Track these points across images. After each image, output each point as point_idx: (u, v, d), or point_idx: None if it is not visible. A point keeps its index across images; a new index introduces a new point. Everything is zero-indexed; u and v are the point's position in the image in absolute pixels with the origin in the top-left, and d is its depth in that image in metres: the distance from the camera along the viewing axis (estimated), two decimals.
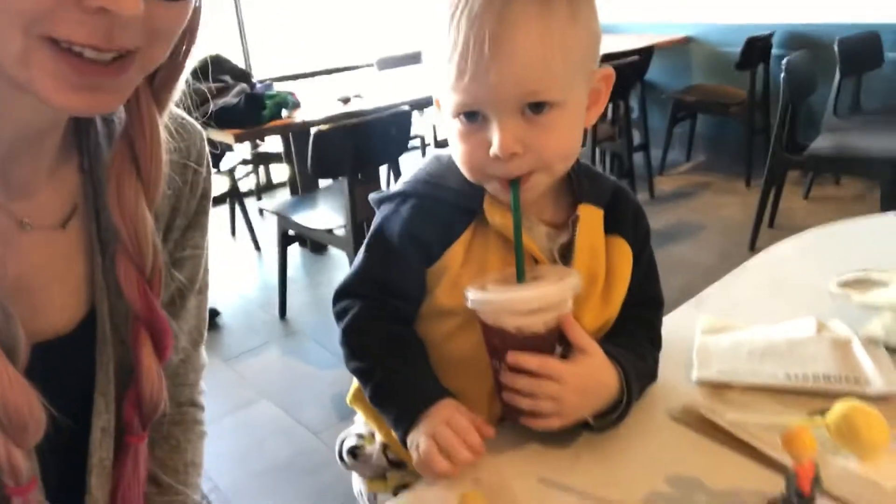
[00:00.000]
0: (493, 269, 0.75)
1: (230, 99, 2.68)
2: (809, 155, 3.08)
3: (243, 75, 3.04)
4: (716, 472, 0.69)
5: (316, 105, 2.99)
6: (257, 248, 3.76)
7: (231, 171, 3.57)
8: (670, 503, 0.66)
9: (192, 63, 0.65)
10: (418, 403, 0.73)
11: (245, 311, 3.13)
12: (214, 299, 3.09)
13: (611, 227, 0.81)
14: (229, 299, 3.21)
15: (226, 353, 2.77)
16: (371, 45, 4.68)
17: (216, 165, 3.45)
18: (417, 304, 0.79)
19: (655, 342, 0.85)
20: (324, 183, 3.23)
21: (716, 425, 0.75)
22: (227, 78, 3.01)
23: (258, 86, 2.92)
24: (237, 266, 3.63)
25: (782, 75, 2.97)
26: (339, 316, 0.81)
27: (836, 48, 3.30)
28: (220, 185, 3.81)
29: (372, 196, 0.82)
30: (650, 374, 0.83)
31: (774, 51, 4.04)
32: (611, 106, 3.74)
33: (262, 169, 4.54)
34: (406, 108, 2.56)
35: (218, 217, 4.18)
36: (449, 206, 0.76)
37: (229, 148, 3.17)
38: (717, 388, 0.84)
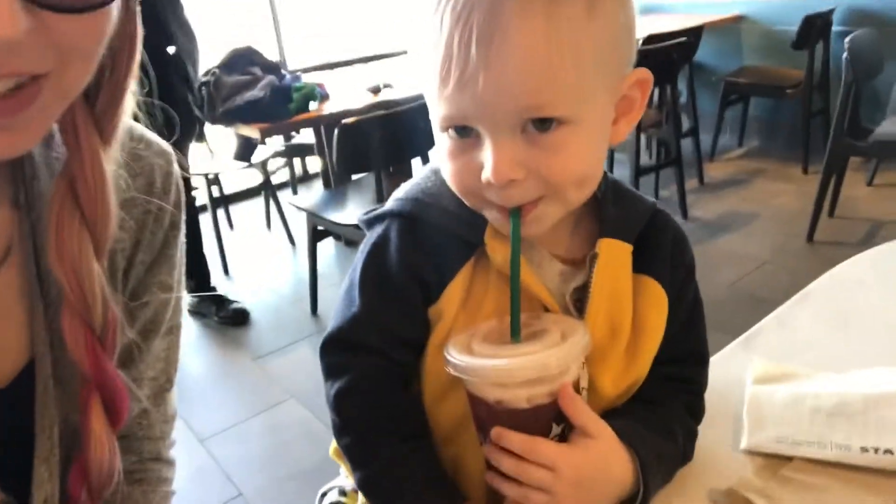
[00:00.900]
0: (492, 315, 0.62)
1: (256, 92, 2.63)
2: (875, 141, 2.88)
3: (273, 67, 2.98)
4: None
5: (346, 96, 2.91)
6: (292, 241, 3.72)
7: (263, 164, 3.52)
8: None
9: (134, 81, 0.55)
10: None
11: (276, 308, 3.08)
12: (246, 297, 3.06)
13: (642, 265, 0.66)
14: (260, 295, 3.17)
15: (255, 352, 2.72)
16: (407, 30, 4.57)
17: (247, 159, 3.40)
18: (421, 353, 0.66)
19: (694, 411, 0.70)
20: (357, 175, 3.16)
21: None
22: (257, 70, 2.95)
23: (287, 77, 2.85)
24: (270, 261, 3.60)
25: (844, 55, 2.78)
26: (331, 372, 0.67)
27: None
28: (252, 178, 3.80)
29: (360, 217, 0.69)
30: (680, 458, 0.68)
31: (835, 28, 3.81)
32: (657, 90, 3.56)
33: (298, 161, 4.50)
34: None
35: (253, 211, 4.18)
36: (445, 233, 0.63)
37: (261, 141, 3.12)
38: (772, 461, 0.69)
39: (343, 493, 0.82)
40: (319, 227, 2.83)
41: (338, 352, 0.67)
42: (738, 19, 4.33)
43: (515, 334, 0.57)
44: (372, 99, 2.83)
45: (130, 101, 0.57)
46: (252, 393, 2.47)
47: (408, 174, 2.81)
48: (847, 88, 2.82)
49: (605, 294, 0.63)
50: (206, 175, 3.32)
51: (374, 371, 0.65)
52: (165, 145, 0.68)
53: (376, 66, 4.35)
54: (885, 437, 0.67)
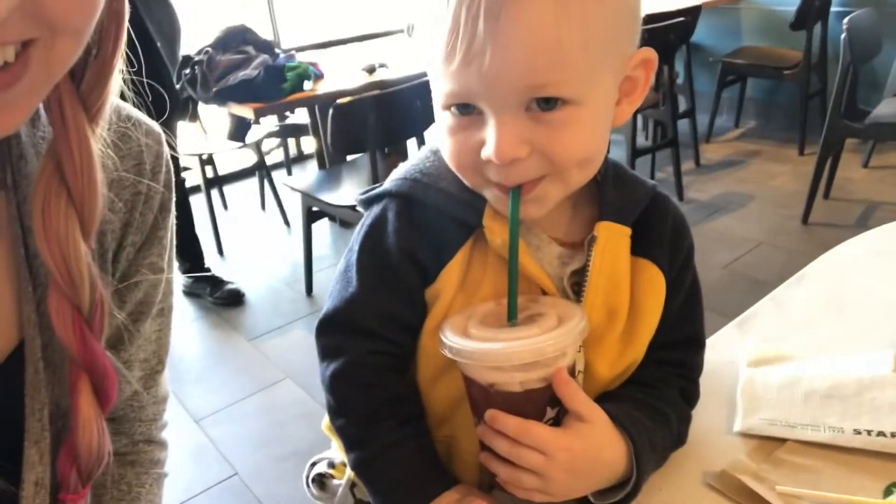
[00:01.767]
0: (489, 298, 0.62)
1: (250, 72, 2.59)
2: (871, 122, 2.87)
3: (267, 46, 2.94)
4: None
5: (341, 76, 2.87)
6: (286, 222, 3.70)
7: (258, 144, 3.49)
8: None
9: (122, 59, 0.54)
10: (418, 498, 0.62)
11: (271, 289, 3.07)
12: (240, 278, 3.05)
13: (640, 249, 0.65)
14: (256, 277, 3.16)
15: (249, 333, 2.72)
16: (404, 8, 4.53)
17: (241, 139, 3.37)
18: (418, 335, 0.66)
19: (689, 395, 0.70)
20: (351, 156, 3.13)
21: (762, 500, 0.61)
22: (250, 49, 2.91)
23: (280, 56, 2.81)
24: (265, 241, 3.58)
25: (843, 35, 2.76)
26: (327, 354, 0.66)
27: None
28: (246, 158, 3.76)
29: (358, 197, 0.68)
30: (674, 443, 0.68)
31: (834, 8, 3.78)
32: None
33: (292, 141, 4.46)
34: None
35: (247, 191, 4.15)
36: (443, 215, 0.62)
37: (255, 121, 3.09)
38: (766, 444, 0.69)
39: (332, 465, 0.81)
40: (314, 208, 2.81)
41: (333, 333, 0.66)
42: None
43: (512, 316, 0.57)
44: (367, 79, 2.79)
45: (118, 79, 0.56)
46: (247, 373, 2.47)
47: (403, 155, 2.80)
48: (844, 69, 2.81)
49: (603, 277, 0.63)
50: (199, 155, 3.29)
51: (370, 353, 0.65)
52: (155, 125, 0.67)
53: (371, 46, 4.30)
54: (878, 419, 0.67)
